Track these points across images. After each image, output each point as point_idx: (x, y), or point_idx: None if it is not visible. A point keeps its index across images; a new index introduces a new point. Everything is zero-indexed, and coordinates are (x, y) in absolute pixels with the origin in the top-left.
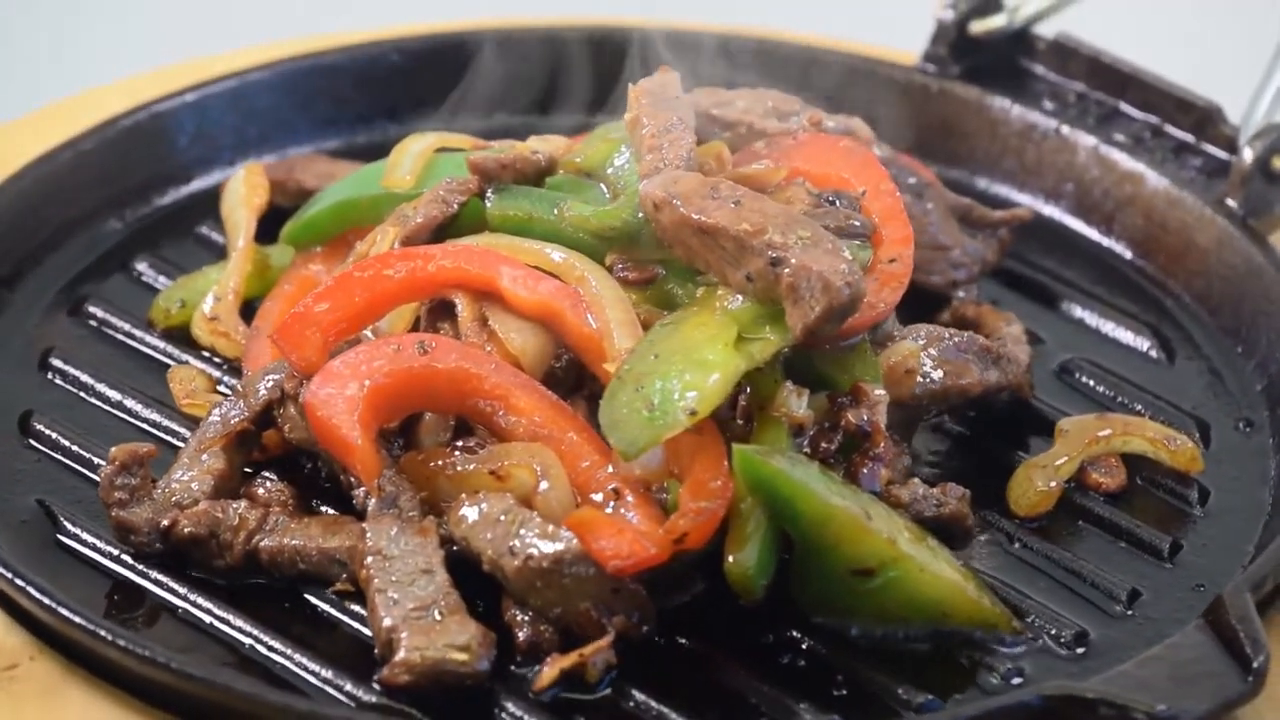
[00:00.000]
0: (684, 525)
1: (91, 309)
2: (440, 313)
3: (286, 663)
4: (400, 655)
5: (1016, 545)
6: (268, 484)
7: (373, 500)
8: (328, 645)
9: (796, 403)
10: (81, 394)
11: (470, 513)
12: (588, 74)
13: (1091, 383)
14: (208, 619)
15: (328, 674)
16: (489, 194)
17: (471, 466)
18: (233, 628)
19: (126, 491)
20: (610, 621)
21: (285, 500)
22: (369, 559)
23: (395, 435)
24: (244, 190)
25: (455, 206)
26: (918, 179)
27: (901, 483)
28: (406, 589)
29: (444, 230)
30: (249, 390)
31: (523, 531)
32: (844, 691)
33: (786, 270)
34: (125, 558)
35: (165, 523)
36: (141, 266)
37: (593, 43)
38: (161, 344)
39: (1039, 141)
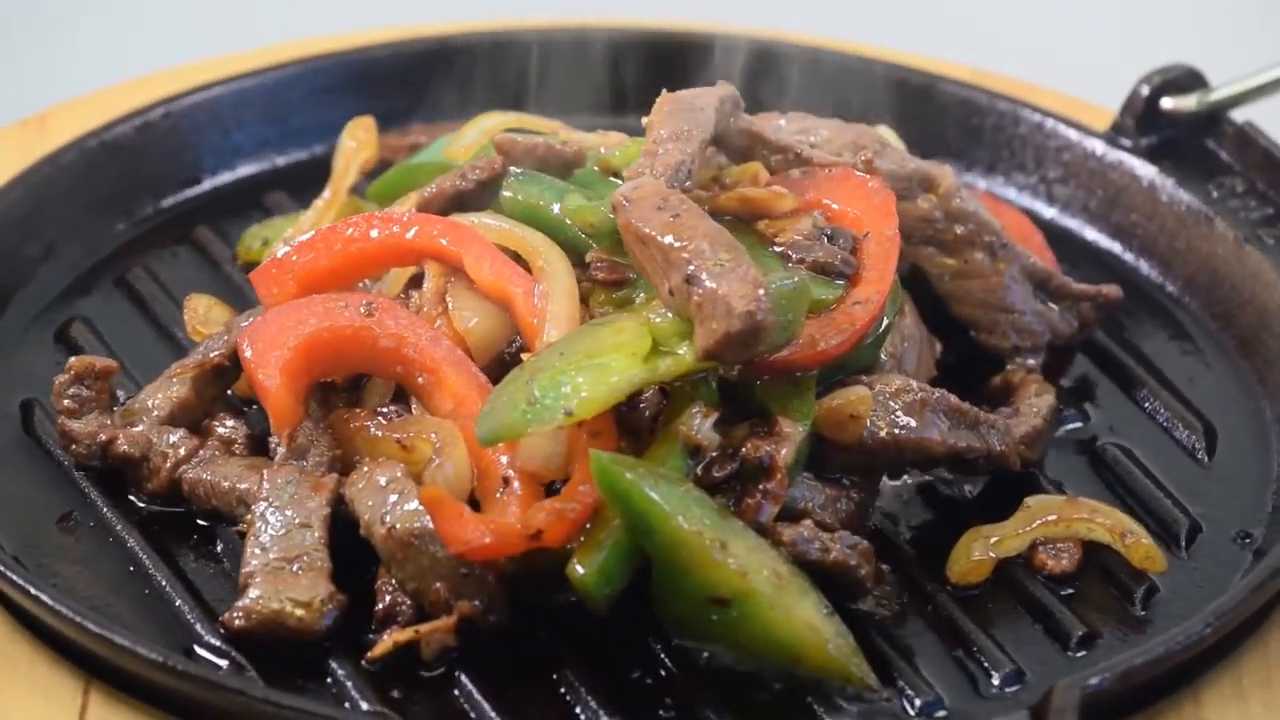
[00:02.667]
0: (538, 522)
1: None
2: (417, 281)
3: (162, 589)
4: (244, 600)
5: (929, 608)
6: (229, 423)
7: (282, 448)
8: (206, 581)
9: (699, 424)
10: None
11: (361, 477)
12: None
13: (1114, 469)
14: (112, 537)
15: (187, 606)
16: (508, 176)
17: (382, 433)
18: (128, 549)
19: (76, 402)
20: (456, 604)
21: (234, 441)
22: (257, 505)
23: (343, 392)
24: (347, 141)
25: (472, 182)
26: (994, 238)
27: (795, 522)
28: (279, 539)
29: (461, 203)
30: (231, 327)
31: (395, 501)
32: (670, 714)
33: (698, 289)
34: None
35: (103, 438)
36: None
37: (691, 49)
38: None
39: (1190, 226)
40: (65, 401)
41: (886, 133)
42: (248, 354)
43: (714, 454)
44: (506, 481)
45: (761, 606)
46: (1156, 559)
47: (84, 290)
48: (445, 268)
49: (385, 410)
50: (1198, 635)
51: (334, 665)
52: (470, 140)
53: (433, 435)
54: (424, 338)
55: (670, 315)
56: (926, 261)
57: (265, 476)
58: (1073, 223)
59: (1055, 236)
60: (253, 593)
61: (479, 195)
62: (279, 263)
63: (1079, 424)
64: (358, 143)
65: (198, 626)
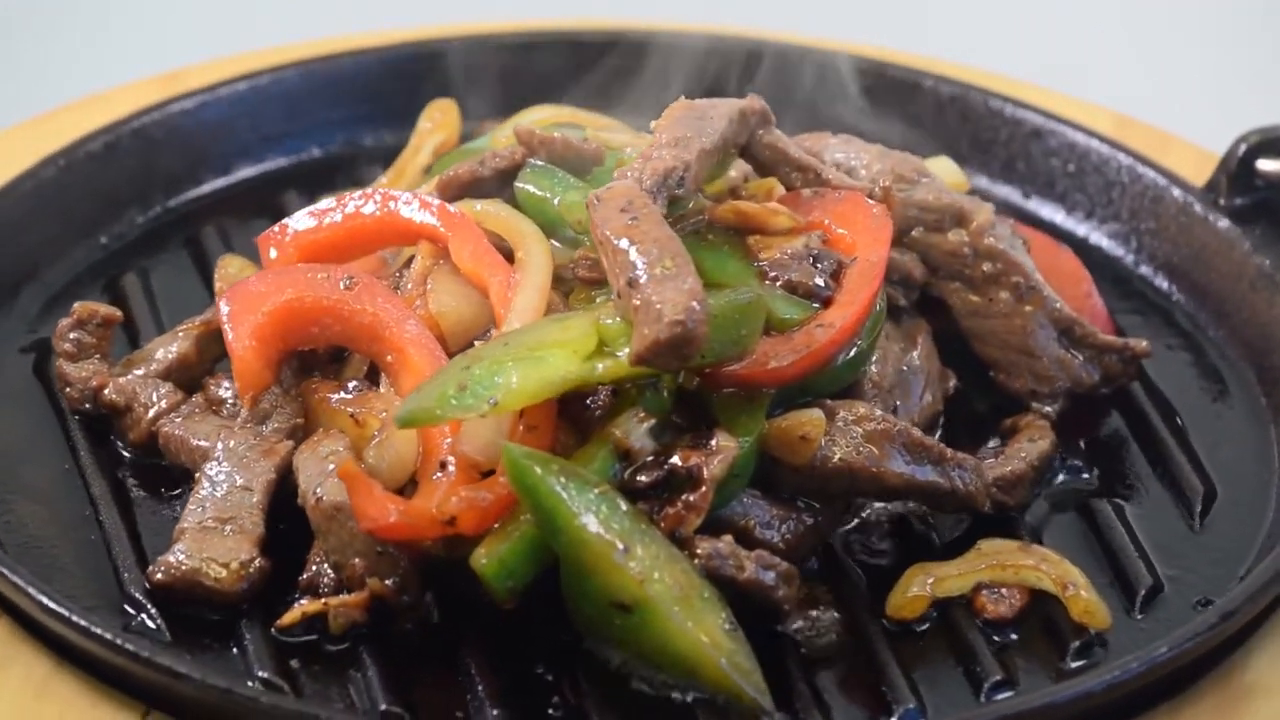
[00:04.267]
0: (451, 508)
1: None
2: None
3: (108, 537)
4: (167, 555)
5: (857, 639)
6: (225, 385)
7: (244, 411)
8: (155, 534)
9: (633, 428)
10: None
11: (309, 446)
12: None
13: (1099, 524)
14: (80, 481)
15: (124, 556)
16: (526, 167)
17: (338, 406)
18: (90, 494)
19: (76, 346)
20: (369, 581)
21: (223, 401)
22: (207, 463)
23: (326, 364)
24: (423, 123)
25: (490, 170)
26: (1022, 280)
27: (716, 537)
28: (219, 499)
29: (478, 189)
30: None
31: (328, 472)
32: (558, 714)
33: (637, 294)
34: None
35: (94, 384)
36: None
37: (754, 58)
38: None
39: (1259, 290)
40: (65, 345)
41: (945, 164)
42: (224, 311)
43: (648, 459)
44: (443, 466)
45: (659, 616)
46: (1097, 614)
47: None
48: (437, 250)
49: (352, 385)
50: (1082, 692)
51: (244, 629)
52: (551, 129)
53: (383, 412)
54: (395, 317)
55: (620, 318)
56: (952, 296)
57: (221, 436)
58: (1146, 269)
59: (1130, 282)
60: (178, 548)
61: (497, 183)
62: (284, 228)
63: (1085, 475)
64: (433, 124)
65: (126, 576)
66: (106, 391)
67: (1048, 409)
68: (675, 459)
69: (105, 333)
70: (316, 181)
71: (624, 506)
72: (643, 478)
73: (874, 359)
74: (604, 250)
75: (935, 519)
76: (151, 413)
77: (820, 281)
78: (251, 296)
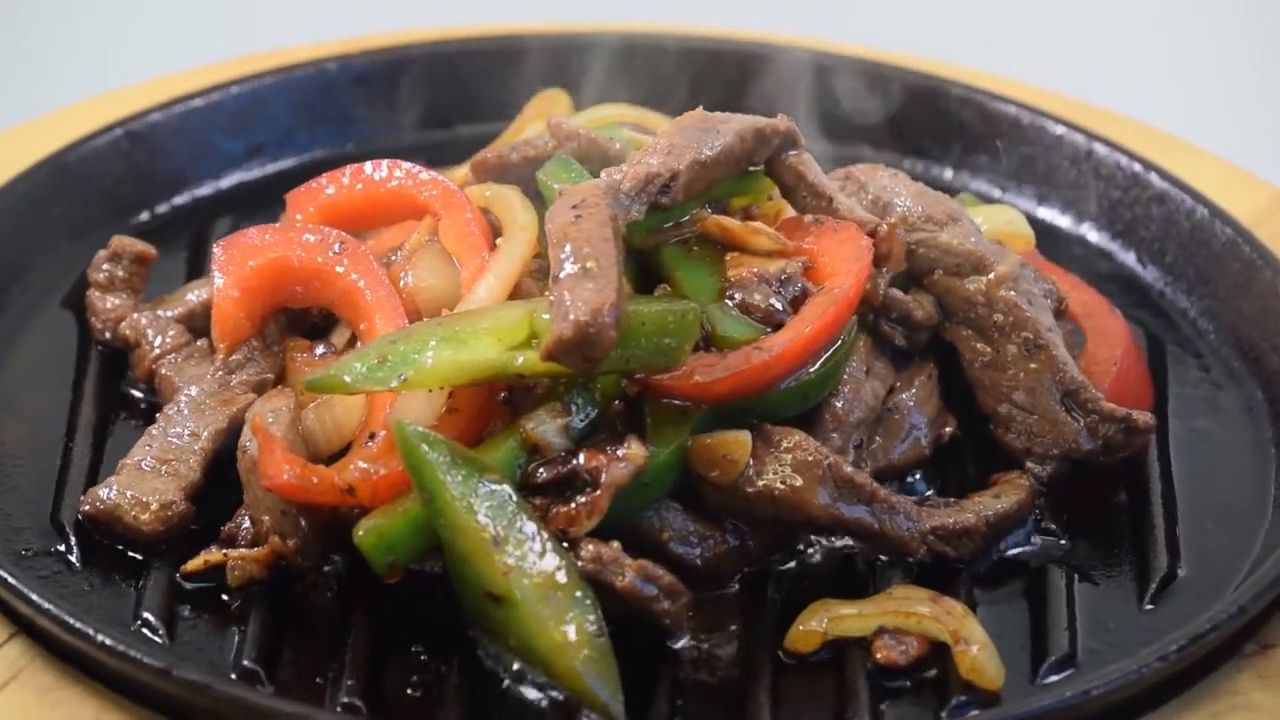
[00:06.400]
0: (349, 477)
1: None
2: None
3: (66, 461)
4: (98, 488)
5: (741, 665)
6: None
7: (218, 358)
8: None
9: (544, 424)
10: None
11: (262, 401)
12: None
13: (1046, 589)
14: (70, 406)
15: (72, 481)
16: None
17: (301, 365)
18: (70, 419)
19: (107, 277)
20: (270, 540)
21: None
22: (169, 405)
23: (316, 327)
24: (528, 110)
25: (519, 157)
26: (1032, 336)
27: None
28: (166, 440)
29: (506, 173)
30: None
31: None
32: (415, 694)
33: (554, 290)
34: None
35: (113, 317)
36: None
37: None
38: None
39: None
40: (99, 275)
41: (1010, 214)
42: (215, 257)
43: (555, 456)
44: (373, 436)
45: (521, 610)
46: (983, 674)
47: None
48: (435, 226)
49: (320, 348)
50: None
51: (153, 568)
52: (578, 124)
53: None
54: (370, 286)
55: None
56: (962, 343)
57: (188, 380)
58: (1210, 325)
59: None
60: (110, 483)
61: (526, 171)
62: (309, 189)
63: (1061, 541)
64: (536, 111)
65: (66, 502)
66: (122, 326)
67: (1039, 470)
68: (580, 459)
69: (138, 269)
70: None
71: (512, 498)
72: (544, 473)
73: (842, 392)
74: (548, 243)
75: (886, 560)
76: (155, 351)
77: (778, 305)
78: (243, 248)
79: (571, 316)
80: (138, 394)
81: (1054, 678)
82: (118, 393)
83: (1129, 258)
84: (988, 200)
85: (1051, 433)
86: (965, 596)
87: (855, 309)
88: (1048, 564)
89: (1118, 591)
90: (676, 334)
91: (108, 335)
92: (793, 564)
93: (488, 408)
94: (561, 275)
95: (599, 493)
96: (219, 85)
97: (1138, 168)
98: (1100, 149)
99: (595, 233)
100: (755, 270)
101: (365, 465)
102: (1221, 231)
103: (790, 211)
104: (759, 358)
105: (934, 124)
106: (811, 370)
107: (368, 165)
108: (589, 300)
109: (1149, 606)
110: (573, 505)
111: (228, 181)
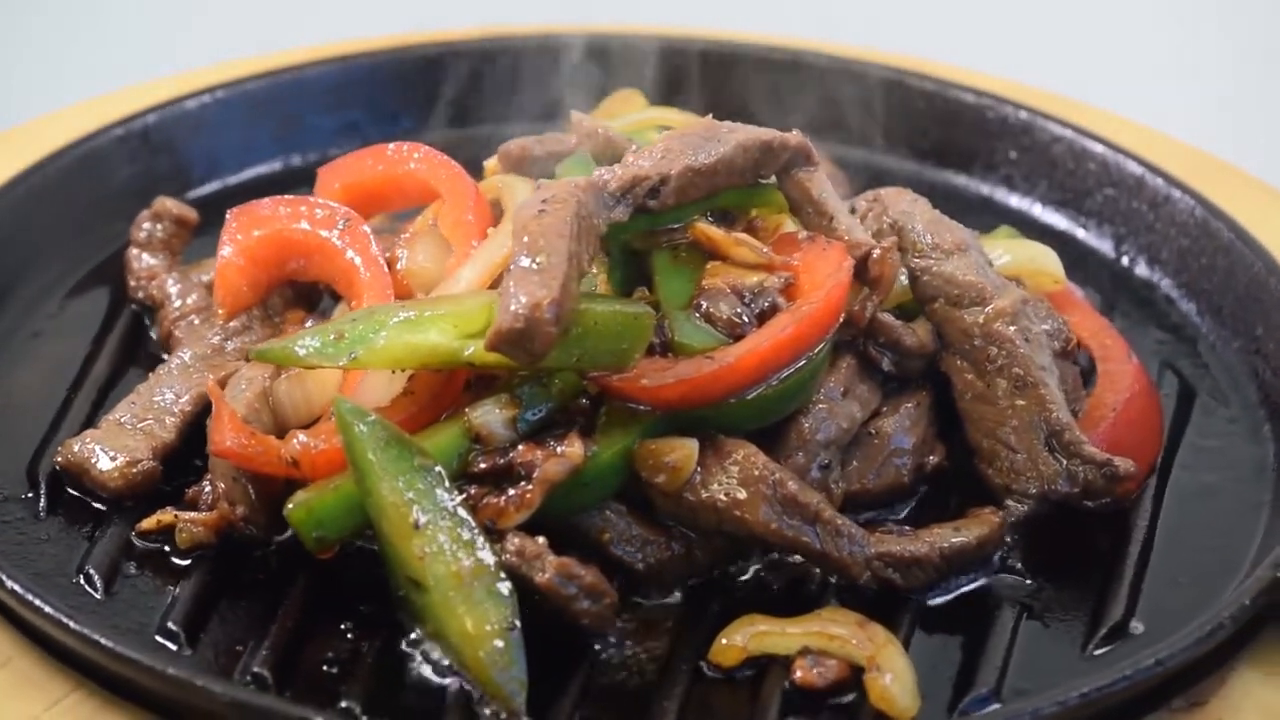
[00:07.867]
0: (291, 450)
1: None
2: None
3: (61, 409)
4: (72, 441)
5: (659, 673)
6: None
7: (217, 323)
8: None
9: (490, 415)
10: None
11: (246, 369)
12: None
13: (990, 627)
14: (84, 359)
15: (57, 433)
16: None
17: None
18: (79, 371)
19: (147, 236)
20: (220, 505)
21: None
22: (161, 365)
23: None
24: (611, 100)
25: (542, 150)
26: (1023, 373)
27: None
28: (149, 399)
29: (530, 166)
30: None
31: (239, 394)
32: (330, 670)
33: (503, 282)
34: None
35: (144, 277)
36: None
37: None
38: None
39: None
40: (140, 234)
41: (1043, 253)
42: (229, 225)
43: (496, 448)
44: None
45: (433, 597)
46: (893, 704)
47: None
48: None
49: (309, 322)
50: None
51: (113, 524)
52: (599, 122)
53: None
54: (364, 265)
55: None
56: (955, 374)
57: (187, 341)
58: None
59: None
60: (84, 436)
61: (549, 164)
62: (336, 165)
63: (1027, 581)
64: (611, 110)
65: (46, 452)
66: (150, 286)
67: (1017, 508)
68: (518, 451)
69: (179, 232)
70: None
71: (442, 484)
72: (482, 464)
73: (813, 411)
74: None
75: (840, 584)
76: (174, 313)
77: (743, 317)
78: (253, 218)
79: (512, 308)
80: (164, 356)
81: (974, 713)
82: (138, 352)
83: (1190, 308)
84: (1064, 237)
85: (1031, 472)
86: (907, 626)
87: (827, 329)
88: (1003, 602)
89: (1065, 636)
90: (629, 336)
91: (140, 295)
92: (748, 577)
93: (444, 394)
94: (512, 267)
95: (530, 487)
96: (215, 86)
97: (1209, 217)
98: (1176, 193)
99: (554, 229)
100: (729, 281)
101: (307, 440)
102: (1277, 288)
103: (791, 226)
104: (709, 367)
105: (1033, 161)
106: (771, 385)
107: (389, 147)
108: (531, 294)
109: (1093, 653)
110: (503, 498)
111: (225, 182)
